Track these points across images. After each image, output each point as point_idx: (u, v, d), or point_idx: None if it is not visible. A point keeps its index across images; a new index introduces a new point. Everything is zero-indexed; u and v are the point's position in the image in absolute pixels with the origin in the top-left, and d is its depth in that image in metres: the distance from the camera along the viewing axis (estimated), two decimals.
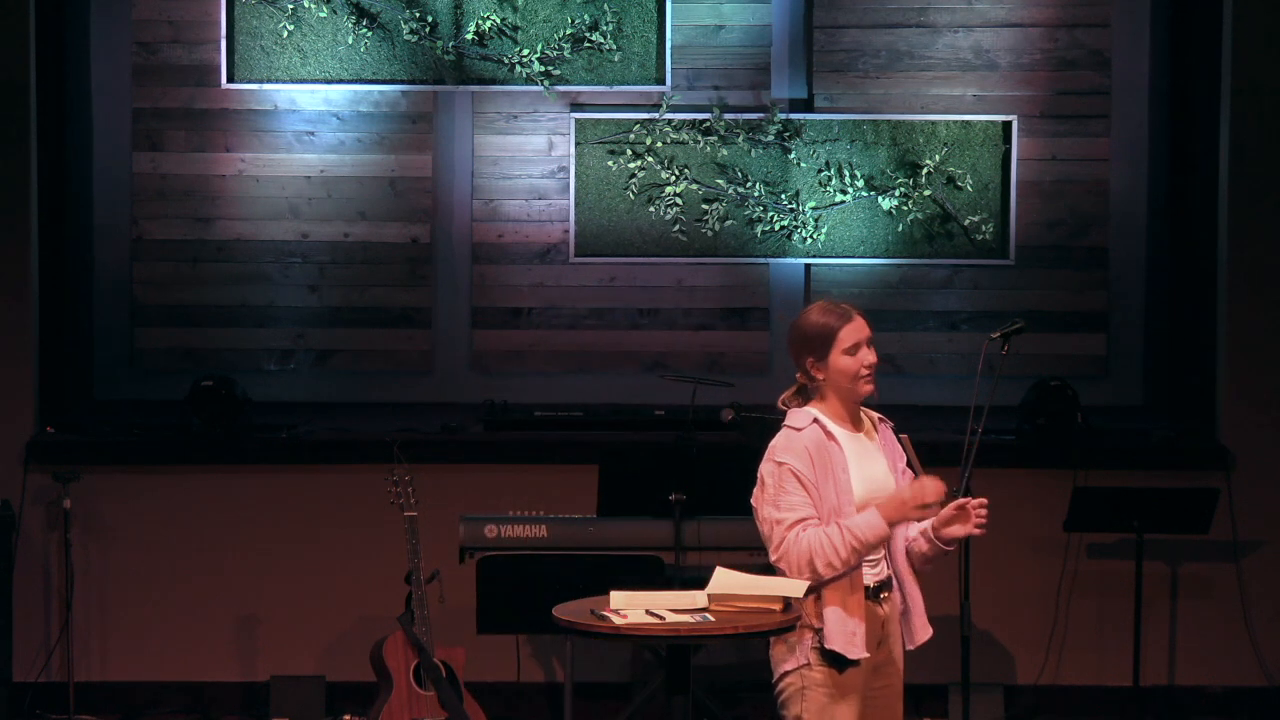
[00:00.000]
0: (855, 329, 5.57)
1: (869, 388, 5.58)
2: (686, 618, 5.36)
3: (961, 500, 5.59)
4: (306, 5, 9.31)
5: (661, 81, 9.37)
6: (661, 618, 5.35)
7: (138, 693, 8.97)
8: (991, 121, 9.40)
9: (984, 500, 5.61)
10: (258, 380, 9.30)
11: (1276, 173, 8.97)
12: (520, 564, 7.90)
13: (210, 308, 9.47)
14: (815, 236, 9.36)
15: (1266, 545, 8.96)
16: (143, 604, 8.95)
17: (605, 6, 9.34)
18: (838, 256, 9.40)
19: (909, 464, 6.12)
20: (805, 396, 5.65)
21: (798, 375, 5.64)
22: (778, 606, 5.42)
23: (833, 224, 9.38)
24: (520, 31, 9.35)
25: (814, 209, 9.35)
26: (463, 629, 8.11)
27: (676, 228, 9.39)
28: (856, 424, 5.64)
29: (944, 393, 9.27)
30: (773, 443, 5.60)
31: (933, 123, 9.38)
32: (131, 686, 8.97)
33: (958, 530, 5.56)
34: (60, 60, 9.33)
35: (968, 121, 9.39)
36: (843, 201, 9.37)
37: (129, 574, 8.95)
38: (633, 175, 9.39)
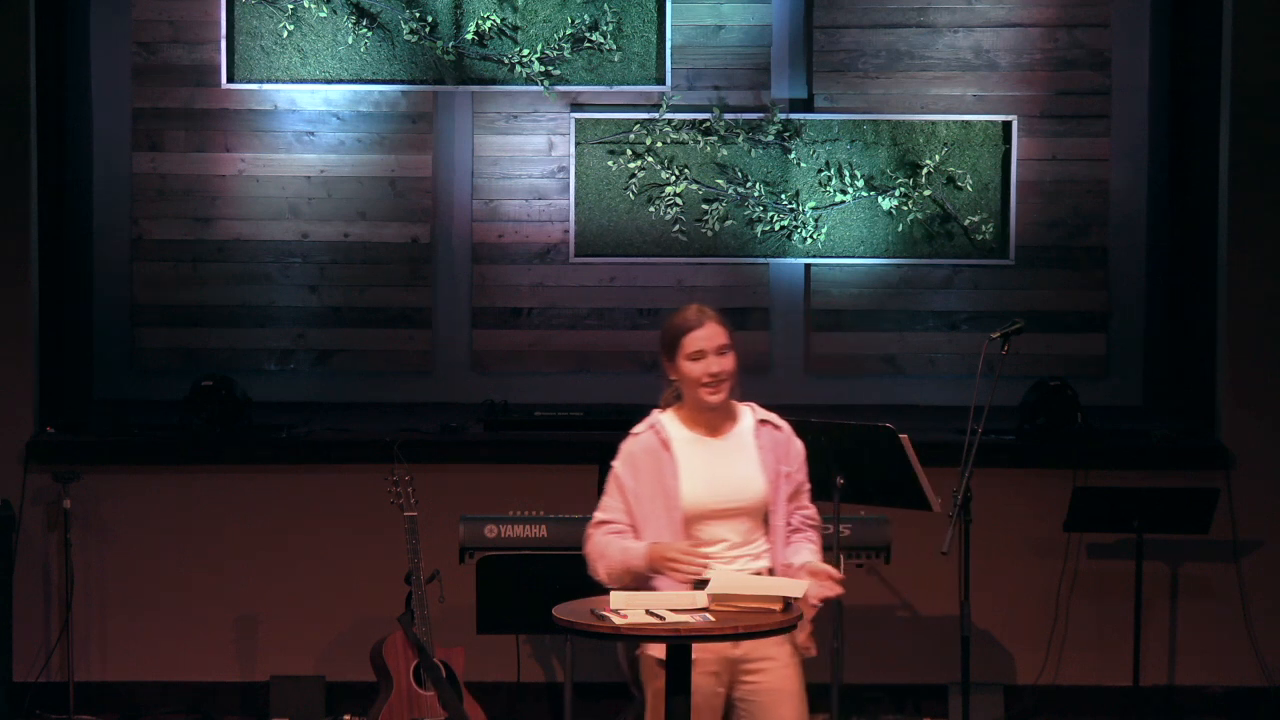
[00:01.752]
0: (703, 335, 5.60)
1: (714, 397, 5.60)
2: (686, 618, 5.36)
3: (822, 569, 5.62)
4: (306, 5, 9.31)
5: (661, 81, 9.37)
6: (661, 618, 5.35)
7: (138, 693, 8.97)
8: (991, 121, 9.40)
9: (838, 576, 5.62)
10: (258, 380, 9.30)
11: (1276, 173, 8.97)
12: (520, 564, 7.90)
13: (210, 308, 9.47)
14: (815, 236, 9.36)
15: (1266, 545, 8.96)
16: (143, 604, 8.94)
17: (605, 6, 9.34)
18: (838, 256, 9.40)
19: (908, 464, 6.11)
20: (680, 397, 5.71)
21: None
22: (778, 606, 5.43)
23: (833, 224, 9.38)
24: (520, 31, 9.35)
25: (814, 209, 9.36)
26: (463, 629, 8.11)
27: (676, 228, 9.39)
28: (717, 427, 5.68)
29: (944, 393, 9.28)
30: None
31: (933, 123, 9.38)
32: (131, 686, 8.97)
33: (816, 591, 5.59)
34: (60, 60, 9.33)
35: (968, 121, 9.40)
36: (843, 201, 9.37)
37: (129, 574, 8.94)
38: (633, 175, 9.39)
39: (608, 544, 5.64)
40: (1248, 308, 8.99)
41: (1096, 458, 8.88)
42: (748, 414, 5.73)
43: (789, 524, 5.71)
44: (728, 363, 5.60)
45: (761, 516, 5.67)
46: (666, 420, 5.68)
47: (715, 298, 9.43)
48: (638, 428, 5.69)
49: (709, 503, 5.61)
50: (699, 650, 5.51)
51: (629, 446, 5.67)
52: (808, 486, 5.77)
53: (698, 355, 5.58)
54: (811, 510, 5.78)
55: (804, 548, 5.70)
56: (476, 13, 9.34)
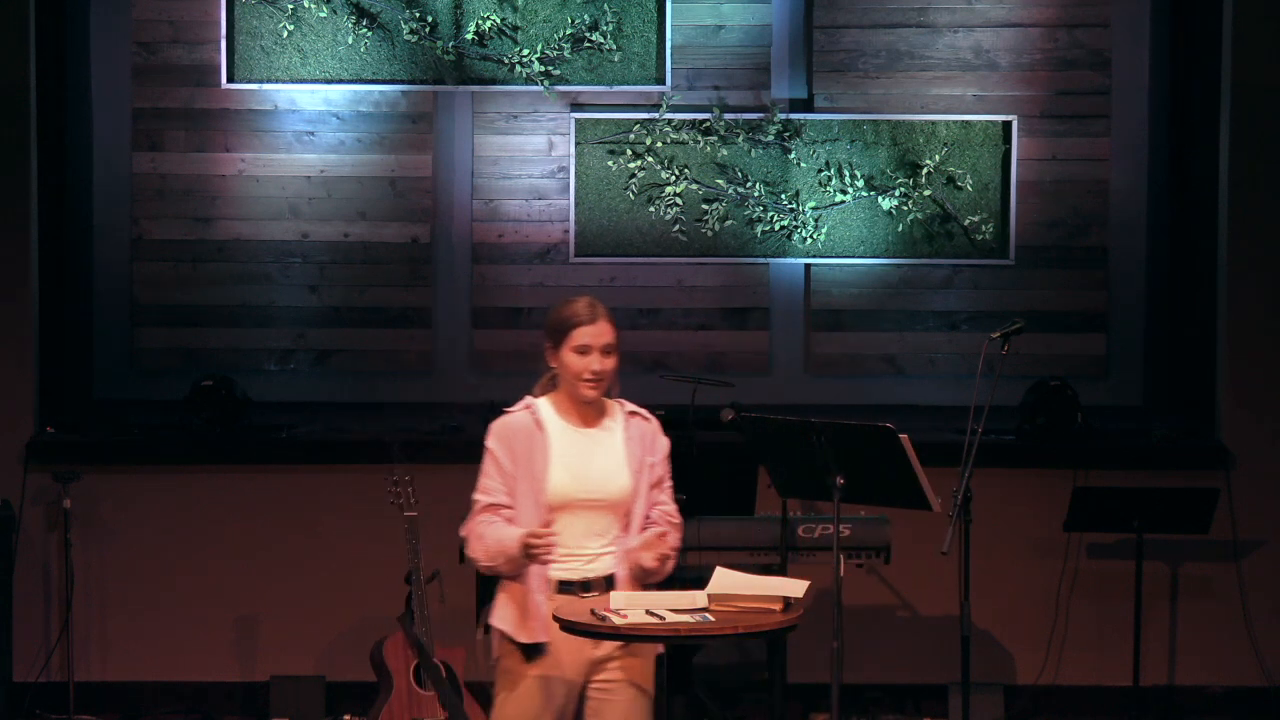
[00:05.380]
0: (592, 332, 5.65)
1: (590, 393, 5.66)
2: (686, 618, 5.37)
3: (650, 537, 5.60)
4: (306, 5, 9.31)
5: (661, 81, 9.37)
6: (661, 618, 5.35)
7: (138, 693, 8.97)
8: (991, 121, 9.40)
9: (665, 551, 5.57)
10: (258, 380, 9.30)
11: (1276, 173, 8.97)
12: None
13: (210, 308, 9.47)
14: (815, 236, 9.36)
15: (1266, 545, 8.96)
16: (143, 604, 8.94)
17: (605, 6, 9.34)
18: (838, 256, 9.40)
19: (908, 464, 6.09)
20: (554, 385, 5.76)
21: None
22: (778, 606, 5.43)
23: (833, 224, 9.38)
24: (520, 31, 9.35)
25: (814, 209, 9.36)
26: (463, 629, 8.11)
27: (676, 228, 9.39)
28: (589, 419, 5.71)
29: (944, 393, 9.27)
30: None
31: (933, 123, 9.38)
32: (131, 686, 8.97)
33: (642, 560, 5.58)
34: (60, 60, 9.33)
35: (968, 121, 9.40)
36: (843, 201, 9.37)
37: (129, 574, 8.95)
38: (633, 175, 9.39)
39: (486, 529, 5.59)
40: (1248, 308, 9.00)
41: (1096, 458, 8.89)
42: (618, 409, 5.76)
43: (647, 516, 5.70)
44: (610, 363, 5.65)
45: (624, 513, 5.66)
46: (542, 405, 5.72)
47: (715, 298, 9.44)
48: (514, 407, 5.72)
49: (573, 493, 5.63)
50: (560, 650, 5.53)
51: (503, 425, 5.69)
52: (669, 483, 5.77)
53: (584, 350, 5.64)
54: (671, 508, 5.76)
55: (647, 532, 5.64)
56: (476, 13, 9.34)
